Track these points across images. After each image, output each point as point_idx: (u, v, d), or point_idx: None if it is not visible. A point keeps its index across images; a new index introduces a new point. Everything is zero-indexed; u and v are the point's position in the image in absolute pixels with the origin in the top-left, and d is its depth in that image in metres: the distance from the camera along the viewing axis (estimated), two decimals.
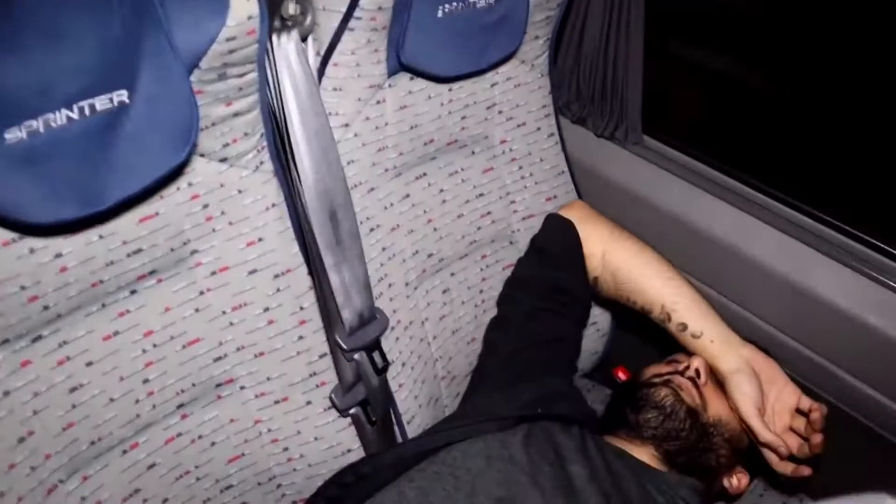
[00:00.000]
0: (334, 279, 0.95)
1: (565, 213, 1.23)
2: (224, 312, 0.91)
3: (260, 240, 0.91)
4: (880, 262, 1.17)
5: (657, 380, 1.08)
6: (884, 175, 1.30)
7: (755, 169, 1.29)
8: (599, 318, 1.36)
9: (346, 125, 0.99)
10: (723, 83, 1.51)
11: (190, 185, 0.83)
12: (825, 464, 1.16)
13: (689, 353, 1.11)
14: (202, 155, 0.83)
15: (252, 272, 0.92)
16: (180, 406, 0.91)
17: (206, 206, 0.85)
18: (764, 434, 0.98)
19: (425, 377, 1.14)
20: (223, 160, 0.84)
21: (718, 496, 1.12)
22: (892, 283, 1.14)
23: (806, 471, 1.00)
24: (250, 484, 1.00)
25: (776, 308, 1.23)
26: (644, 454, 1.02)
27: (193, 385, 0.91)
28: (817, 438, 0.98)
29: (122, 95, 0.66)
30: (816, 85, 1.38)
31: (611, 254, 1.18)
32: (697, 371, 1.06)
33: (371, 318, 1.00)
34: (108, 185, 0.69)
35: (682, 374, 1.07)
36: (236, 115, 0.82)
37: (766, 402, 1.03)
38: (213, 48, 0.73)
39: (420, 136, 1.10)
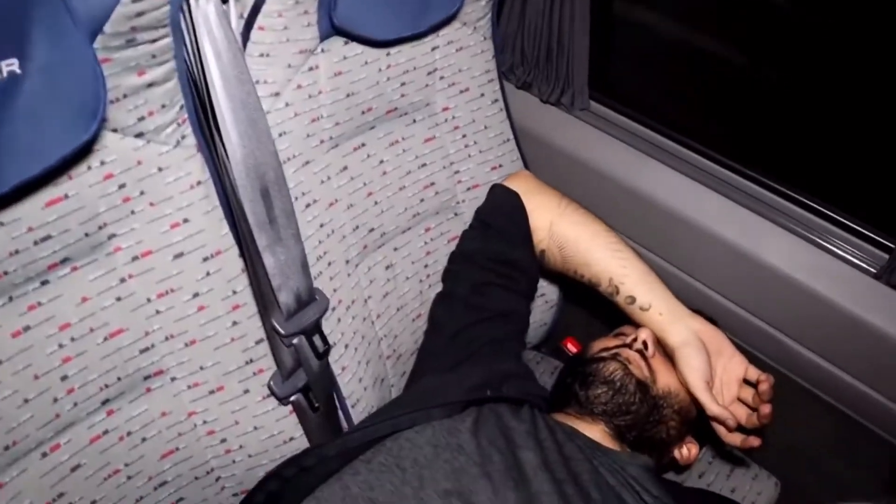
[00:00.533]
0: (269, 260, 0.88)
1: (510, 184, 1.19)
2: (149, 300, 0.84)
3: (185, 221, 0.85)
4: (826, 229, 1.16)
5: (605, 354, 1.05)
6: (829, 141, 1.30)
7: (703, 135, 1.27)
8: (548, 290, 1.33)
9: (276, 94, 0.92)
10: (671, 46, 1.48)
11: (102, 163, 0.75)
12: (773, 432, 1.16)
13: (637, 326, 1.10)
14: (114, 130, 0.75)
15: (178, 256, 0.85)
16: (105, 402, 0.84)
17: (122, 187, 0.78)
18: (712, 407, 0.97)
19: (370, 358, 1.09)
20: (139, 135, 0.77)
21: (668, 466, 1.10)
22: (837, 251, 1.13)
23: (755, 441, 0.99)
24: (187, 479, 0.94)
25: (723, 276, 1.22)
26: (595, 431, 0.99)
27: (119, 379, 0.84)
28: (765, 409, 0.97)
29: (11, 65, 0.58)
30: (765, 47, 1.36)
31: (558, 226, 1.14)
32: (645, 343, 1.04)
33: (310, 299, 0.94)
34: (4, 168, 0.62)
35: (629, 346, 1.05)
36: (151, 85, 0.75)
37: (714, 373, 1.02)
38: (118, 11, 0.66)
39: (357, 105, 1.03)
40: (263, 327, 0.92)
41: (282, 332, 0.90)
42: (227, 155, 0.84)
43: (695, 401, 1.01)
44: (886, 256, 1.09)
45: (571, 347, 1.43)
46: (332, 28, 0.94)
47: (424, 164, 1.15)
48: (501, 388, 0.98)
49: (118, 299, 0.82)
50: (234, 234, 0.88)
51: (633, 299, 1.07)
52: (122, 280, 0.82)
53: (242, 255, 0.89)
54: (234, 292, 0.90)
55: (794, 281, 1.14)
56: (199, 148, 0.84)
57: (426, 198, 1.16)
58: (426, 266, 1.19)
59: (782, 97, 1.37)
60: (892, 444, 1.13)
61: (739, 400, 1.03)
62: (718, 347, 1.04)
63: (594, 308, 1.40)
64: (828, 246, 1.14)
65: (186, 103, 0.81)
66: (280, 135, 0.94)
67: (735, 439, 1.01)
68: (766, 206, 1.19)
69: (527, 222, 1.16)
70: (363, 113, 1.05)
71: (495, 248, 1.14)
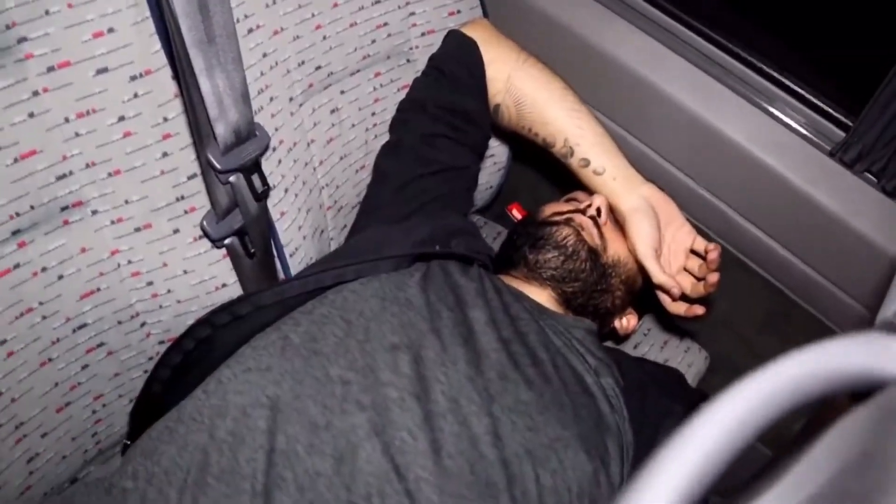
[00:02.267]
0: (205, 85, 0.78)
1: (468, 32, 1.10)
2: (67, 120, 0.75)
3: (110, 30, 0.74)
4: (788, 102, 1.13)
5: (559, 218, 1.01)
6: (802, 16, 1.26)
7: None
8: (497, 150, 1.27)
9: None
10: None
11: None
12: (707, 306, 1.17)
13: (589, 192, 1.07)
14: None
15: (101, 71, 0.75)
16: (16, 233, 0.75)
17: None
18: (659, 275, 0.97)
19: (310, 206, 1.01)
20: None
21: (608, 336, 1.10)
22: (795, 125, 1.11)
23: (699, 310, 1.00)
24: (109, 322, 0.87)
25: (677, 144, 1.19)
26: (541, 295, 0.97)
27: (32, 207, 0.75)
28: (713, 277, 0.97)
29: None
30: None
31: (515, 80, 1.07)
32: (599, 210, 1.01)
33: (250, 134, 0.85)
34: None
35: (583, 212, 1.01)
36: None
37: (662, 242, 1.01)
38: None
39: None
40: (198, 161, 0.83)
41: (218, 167, 0.82)
42: None
43: (642, 269, 1.00)
44: (843, 134, 1.08)
45: (517, 213, 1.39)
46: None
47: (378, 2, 1.05)
48: (451, 243, 0.93)
49: (31, 115, 0.72)
50: (168, 52, 0.78)
51: (587, 162, 1.03)
52: (36, 93, 0.72)
53: (176, 76, 0.79)
54: (166, 119, 0.81)
55: (749, 153, 1.12)
56: None
57: (378, 39, 1.06)
58: (374, 114, 1.10)
59: None
60: (824, 322, 1.16)
61: (686, 270, 1.03)
62: (669, 216, 1.03)
63: (542, 174, 1.35)
64: (787, 120, 1.11)
65: None
66: None
67: (679, 308, 1.01)
68: (731, 74, 1.15)
69: (483, 73, 1.08)
70: None
71: (448, 96, 1.07)
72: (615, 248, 1.00)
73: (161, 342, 0.92)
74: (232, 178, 0.85)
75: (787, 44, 1.23)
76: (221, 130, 0.82)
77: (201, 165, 0.83)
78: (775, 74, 1.13)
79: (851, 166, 1.07)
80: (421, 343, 0.77)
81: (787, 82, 1.12)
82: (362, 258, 0.87)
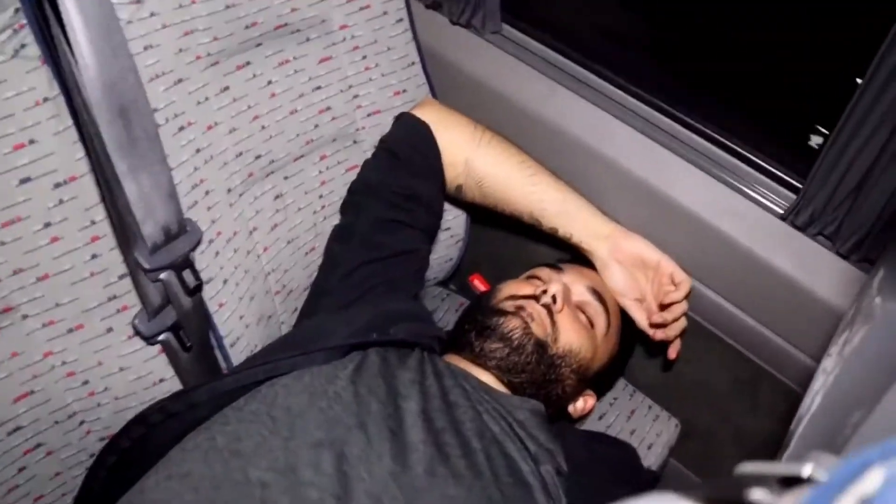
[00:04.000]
0: (130, 188, 0.80)
1: (420, 114, 1.10)
2: None
3: (31, 142, 0.76)
4: (737, 168, 1.12)
5: (509, 307, 1.00)
6: (746, 79, 1.26)
7: (620, 65, 1.20)
8: (453, 223, 1.27)
9: (139, 1, 0.81)
10: None
11: None
12: (675, 373, 1.16)
13: (553, 266, 1.08)
14: None
15: (25, 181, 0.77)
16: None
17: None
18: (642, 323, 1.05)
19: (254, 293, 1.02)
20: None
21: (562, 417, 1.08)
22: (746, 190, 1.10)
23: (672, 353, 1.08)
24: (46, 423, 0.87)
25: (630, 211, 1.18)
26: (487, 377, 0.96)
27: None
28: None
29: None
30: None
31: (474, 162, 1.09)
32: (554, 297, 0.99)
33: (180, 231, 0.86)
34: None
35: (538, 299, 1.00)
36: None
37: (645, 285, 1.07)
38: None
39: (239, 18, 0.93)
40: (126, 261, 0.84)
41: (146, 266, 0.82)
42: (78, 69, 0.74)
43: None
44: (794, 196, 1.07)
45: (479, 284, 1.38)
46: None
47: (319, 87, 1.06)
48: (390, 329, 0.93)
49: None
50: (91, 157, 0.79)
51: (554, 230, 1.09)
52: None
53: (97, 181, 0.80)
54: (93, 222, 0.82)
55: (701, 219, 1.11)
56: (43, 60, 0.75)
57: (321, 123, 1.08)
58: (321, 196, 1.11)
59: (702, 28, 1.32)
60: (791, 387, 1.13)
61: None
62: (642, 260, 1.06)
63: (502, 242, 1.35)
64: (737, 185, 1.10)
65: (24, 6, 0.71)
66: (146, 48, 0.83)
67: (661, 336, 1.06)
68: (679, 141, 1.14)
69: (437, 156, 1.09)
70: (247, 28, 0.95)
71: (402, 180, 1.07)
72: (568, 337, 0.98)
73: (102, 439, 0.92)
74: (163, 276, 0.85)
75: (730, 107, 1.23)
76: (149, 230, 0.83)
77: (129, 265, 0.84)
78: (723, 140, 1.12)
79: (804, 230, 1.05)
80: (346, 439, 0.76)
81: (737, 147, 1.12)
82: (296, 351, 0.87)
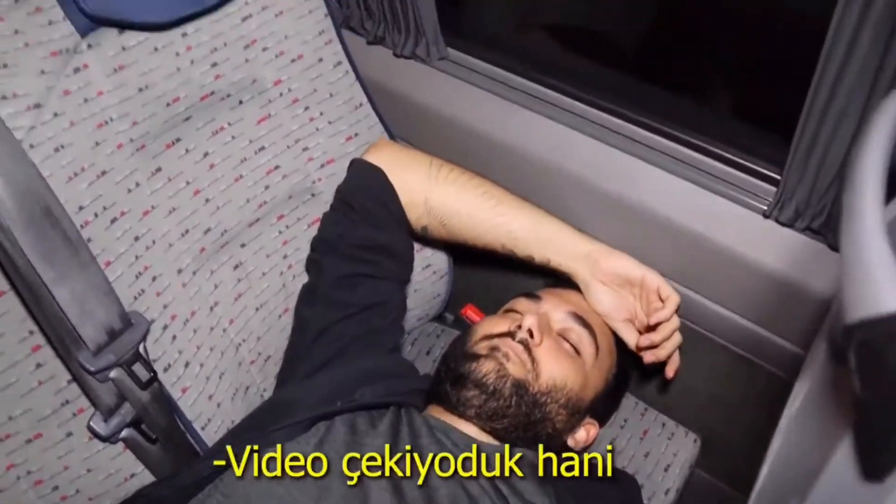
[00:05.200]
0: (61, 294, 0.78)
1: (372, 158, 1.05)
2: None
3: None
4: (711, 167, 1.05)
5: (483, 348, 0.94)
6: (706, 74, 1.18)
7: (572, 75, 1.14)
8: (433, 260, 1.22)
9: (38, 106, 0.80)
10: None
11: None
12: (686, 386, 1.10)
13: (531, 296, 1.03)
14: None
15: None
16: None
17: None
18: (633, 346, 1.01)
19: (224, 369, 0.99)
20: None
21: (564, 450, 1.01)
22: (724, 189, 1.03)
23: (670, 372, 1.02)
24: None
25: (605, 225, 1.11)
26: (470, 429, 0.90)
27: None
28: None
29: None
30: None
31: (433, 200, 1.03)
32: (531, 331, 0.93)
33: (125, 326, 0.85)
34: None
35: (513, 336, 0.94)
36: None
37: (633, 302, 1.02)
38: None
39: (158, 98, 0.92)
40: (69, 367, 0.83)
41: (90, 368, 0.81)
42: None
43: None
44: (774, 190, 0.99)
45: (473, 315, 1.33)
46: (89, 19, 0.81)
47: (263, 148, 1.04)
48: (356, 393, 0.89)
49: None
50: (10, 271, 0.78)
51: (531, 257, 1.04)
52: None
53: (20, 293, 0.79)
54: (31, 332, 0.82)
55: (682, 226, 1.04)
56: None
57: (272, 184, 1.05)
58: (285, 257, 1.08)
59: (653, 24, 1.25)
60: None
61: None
62: (626, 277, 1.00)
63: (491, 269, 1.30)
64: (714, 185, 1.03)
65: None
66: (56, 149, 0.82)
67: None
68: (645, 146, 1.07)
69: (395, 201, 1.04)
70: (168, 105, 0.93)
71: (360, 233, 1.02)
72: (551, 372, 0.92)
73: None
74: (112, 374, 0.84)
75: (694, 104, 1.15)
76: (90, 332, 0.82)
77: (74, 370, 0.83)
78: (691, 139, 1.05)
79: (791, 226, 0.98)
80: None
81: (708, 146, 1.04)
82: (254, 433, 0.84)
